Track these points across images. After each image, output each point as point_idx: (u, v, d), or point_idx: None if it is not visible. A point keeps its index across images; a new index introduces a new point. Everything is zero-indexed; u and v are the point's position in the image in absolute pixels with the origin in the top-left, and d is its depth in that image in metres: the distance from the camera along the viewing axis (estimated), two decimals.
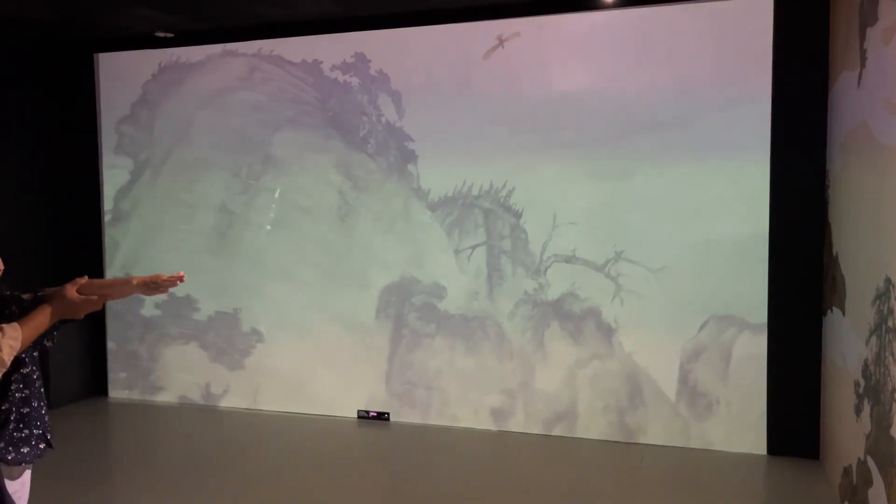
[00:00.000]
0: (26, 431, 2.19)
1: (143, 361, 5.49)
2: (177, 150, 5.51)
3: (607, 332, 4.75)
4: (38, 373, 2.24)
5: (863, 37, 3.50)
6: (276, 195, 5.03)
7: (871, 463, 3.23)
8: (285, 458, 4.72)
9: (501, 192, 4.84)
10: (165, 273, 2.36)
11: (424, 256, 4.95)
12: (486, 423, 4.91)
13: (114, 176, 5.77)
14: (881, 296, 3.11)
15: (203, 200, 5.33)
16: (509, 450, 4.86)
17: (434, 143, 5.01)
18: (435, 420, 4.95)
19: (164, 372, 5.17)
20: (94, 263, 6.07)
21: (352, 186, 5.03)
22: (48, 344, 2.23)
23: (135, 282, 2.34)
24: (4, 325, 2.04)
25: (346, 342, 4.96)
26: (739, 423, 4.66)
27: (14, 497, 2.20)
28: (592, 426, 4.78)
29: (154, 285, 2.34)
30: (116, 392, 5.89)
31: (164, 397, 5.58)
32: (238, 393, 5.03)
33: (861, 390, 3.45)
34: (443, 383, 4.93)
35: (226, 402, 4.93)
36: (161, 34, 5.75)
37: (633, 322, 4.70)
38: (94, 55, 6.04)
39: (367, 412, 5.46)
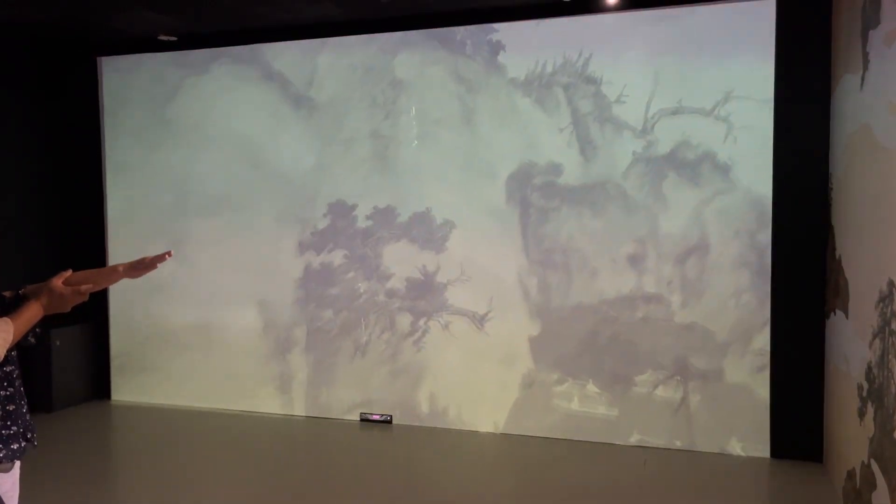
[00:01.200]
0: (14, 428, 2.20)
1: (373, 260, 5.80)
2: (308, 91, 5.74)
3: (724, 170, 4.78)
4: (18, 371, 2.24)
5: (865, 39, 3.50)
6: (413, 113, 5.51)
7: (874, 466, 3.22)
8: (287, 461, 4.73)
9: (577, 62, 5.04)
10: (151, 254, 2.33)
11: (535, 140, 5.22)
12: (623, 271, 5.05)
13: (259, 117, 5.98)
14: (884, 299, 3.10)
15: (356, 132, 5.71)
16: (509, 452, 4.86)
17: (511, 27, 5.21)
18: (578, 272, 5.16)
19: (389, 263, 5.67)
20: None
21: (466, 90, 5.37)
22: (31, 340, 2.22)
23: (121, 268, 2.30)
24: None
25: (488, 225, 5.39)
26: (742, 425, 4.68)
27: (5, 497, 2.21)
28: (725, 252, 4.81)
29: (141, 266, 2.30)
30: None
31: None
32: (446, 270, 5.53)
33: (864, 393, 3.44)
34: (577, 244, 5.17)
35: (440, 277, 5.51)
36: (164, 38, 5.77)
37: (752, 155, 4.71)
38: (98, 58, 6.07)
39: (370, 415, 5.47)
